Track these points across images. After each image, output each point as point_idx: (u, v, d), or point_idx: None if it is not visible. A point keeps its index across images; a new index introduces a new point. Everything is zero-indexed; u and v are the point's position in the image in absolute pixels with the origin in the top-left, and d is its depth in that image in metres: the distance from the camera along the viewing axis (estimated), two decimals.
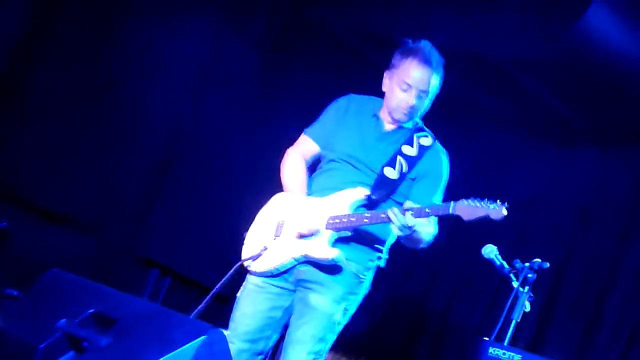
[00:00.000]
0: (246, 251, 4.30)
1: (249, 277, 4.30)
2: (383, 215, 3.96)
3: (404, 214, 3.88)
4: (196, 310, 3.89)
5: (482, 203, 3.78)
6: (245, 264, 4.23)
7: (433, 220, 4.11)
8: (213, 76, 6.63)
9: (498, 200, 3.76)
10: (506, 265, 4.07)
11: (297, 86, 6.85)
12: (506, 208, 3.72)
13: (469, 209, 3.78)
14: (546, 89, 6.63)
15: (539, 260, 3.97)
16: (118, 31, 6.14)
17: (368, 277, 4.23)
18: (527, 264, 3.98)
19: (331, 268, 4.10)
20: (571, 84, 6.32)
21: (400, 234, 3.94)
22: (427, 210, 3.90)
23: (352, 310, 4.21)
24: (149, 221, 6.52)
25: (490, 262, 4.12)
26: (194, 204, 6.59)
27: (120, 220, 6.40)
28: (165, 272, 6.66)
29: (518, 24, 5.88)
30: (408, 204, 4.00)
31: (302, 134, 4.43)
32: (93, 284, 3.38)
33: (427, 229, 4.09)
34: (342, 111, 4.34)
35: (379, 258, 4.26)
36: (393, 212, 3.90)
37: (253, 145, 6.57)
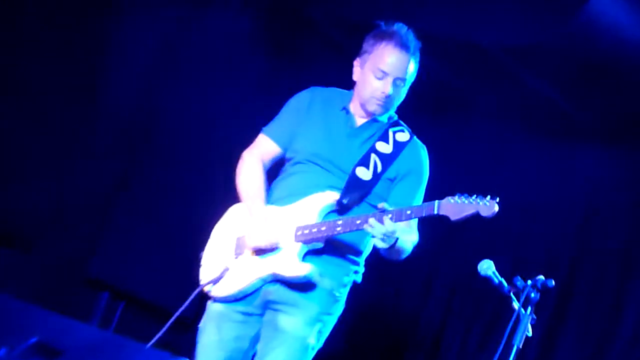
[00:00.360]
0: (205, 274, 4.28)
1: (209, 304, 4.29)
2: (358, 222, 3.95)
3: (381, 220, 3.84)
4: (154, 339, 3.95)
5: (470, 199, 3.79)
6: (206, 288, 4.22)
7: (414, 225, 4.13)
8: (168, 84, 6.63)
9: (488, 196, 3.77)
10: (505, 284, 4.04)
11: (267, 79, 6.90)
12: (497, 203, 3.73)
13: (456, 207, 3.79)
14: (546, 79, 6.69)
15: (542, 277, 3.92)
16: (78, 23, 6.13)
17: (343, 295, 4.22)
18: (529, 282, 3.92)
19: (303, 286, 4.09)
20: (573, 74, 6.36)
21: (383, 245, 3.90)
22: (408, 212, 3.89)
23: (327, 332, 4.20)
24: (100, 238, 6.49)
25: (487, 279, 4.07)
26: (151, 218, 6.58)
27: (67, 237, 6.35)
28: (118, 295, 6.60)
29: (516, 7, 5.92)
30: (384, 205, 3.95)
31: (260, 133, 4.41)
32: (36, 309, 3.36)
33: (409, 237, 4.09)
34: (305, 106, 4.33)
35: (356, 272, 4.25)
36: (369, 224, 3.87)
37: (216, 154, 6.49)
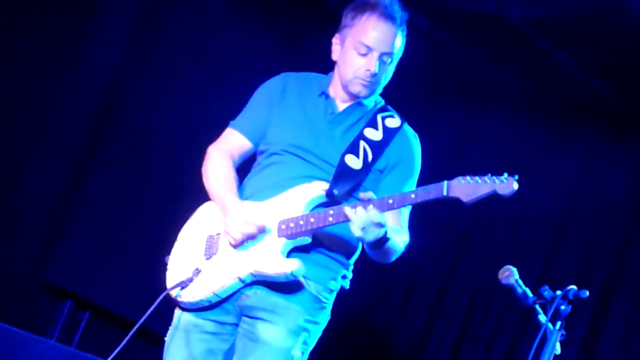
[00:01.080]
0: (172, 278, 4.17)
1: (178, 313, 4.17)
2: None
3: (365, 209, 3.76)
4: (113, 353, 3.99)
5: (485, 178, 3.70)
6: (173, 293, 4.10)
7: (405, 224, 4.07)
8: (131, 84, 6.66)
9: (505, 173, 3.69)
10: (530, 294, 3.90)
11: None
12: (516, 181, 3.66)
13: (468, 187, 3.70)
14: (580, 62, 6.70)
15: (574, 287, 3.76)
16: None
17: (330, 302, 4.12)
18: (559, 292, 3.77)
19: (287, 287, 3.97)
20: (613, 54, 6.35)
21: (362, 235, 3.78)
22: (412, 196, 3.81)
23: (312, 344, 4.09)
24: (59, 242, 6.43)
25: (510, 288, 3.96)
26: (119, 218, 6.53)
27: (22, 238, 6.29)
28: (82, 305, 6.53)
29: None
30: (368, 194, 3.84)
31: (227, 127, 4.33)
32: None
33: (399, 237, 3.99)
34: (277, 93, 4.26)
35: (344, 277, 4.14)
36: (352, 209, 3.78)
37: (182, 153, 6.44)
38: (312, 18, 7.10)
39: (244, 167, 4.32)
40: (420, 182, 4.08)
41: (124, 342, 3.98)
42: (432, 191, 3.76)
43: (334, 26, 4.19)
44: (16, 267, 6.27)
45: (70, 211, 6.45)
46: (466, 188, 3.70)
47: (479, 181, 3.69)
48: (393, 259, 4.04)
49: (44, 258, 6.36)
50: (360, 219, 3.76)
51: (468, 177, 3.70)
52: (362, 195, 3.84)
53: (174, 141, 6.68)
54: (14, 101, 6.08)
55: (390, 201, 3.79)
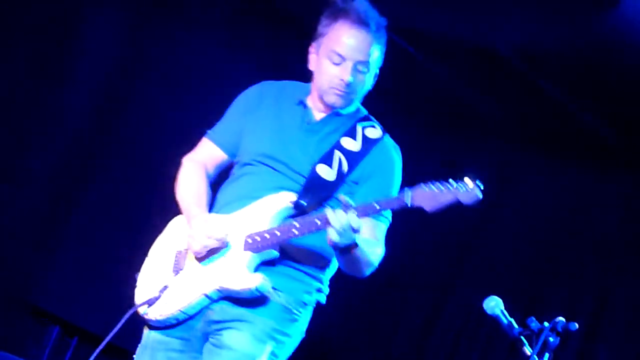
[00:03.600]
0: (140, 295, 4.09)
1: (145, 332, 4.09)
2: (319, 221, 3.76)
3: (346, 212, 3.68)
4: None
5: (448, 185, 3.63)
6: (141, 310, 4.02)
7: (381, 237, 3.96)
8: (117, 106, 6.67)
9: (466, 178, 3.63)
10: (515, 325, 3.90)
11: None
12: (479, 188, 3.60)
13: (431, 195, 3.63)
14: (570, 94, 6.65)
15: (562, 319, 3.78)
16: None
17: (303, 316, 4.01)
18: (546, 324, 3.80)
19: (253, 301, 3.89)
20: (601, 87, 6.31)
21: (339, 240, 3.69)
22: (375, 206, 3.72)
23: (283, 358, 4.00)
24: (49, 264, 6.38)
25: (495, 319, 3.95)
26: (108, 242, 6.46)
27: (11, 262, 6.27)
28: (70, 331, 6.49)
29: (535, 7, 5.84)
30: (346, 198, 3.74)
31: (203, 137, 4.23)
32: None
33: (373, 248, 3.90)
34: (253, 102, 4.15)
35: (319, 291, 4.04)
36: (332, 211, 3.69)
37: (171, 172, 6.49)
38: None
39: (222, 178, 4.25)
40: None
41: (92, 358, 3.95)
42: (396, 201, 3.70)
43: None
44: (3, 292, 6.24)
45: (58, 236, 6.41)
46: (429, 197, 3.62)
47: (442, 189, 3.63)
48: (367, 271, 3.94)
49: (32, 284, 6.33)
50: (339, 222, 3.68)
51: (431, 185, 3.64)
52: (341, 197, 3.75)
53: (164, 162, 6.57)
54: None
55: (354, 211, 3.70)
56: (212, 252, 3.93)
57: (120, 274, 6.29)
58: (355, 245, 3.73)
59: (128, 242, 6.24)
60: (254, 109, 4.12)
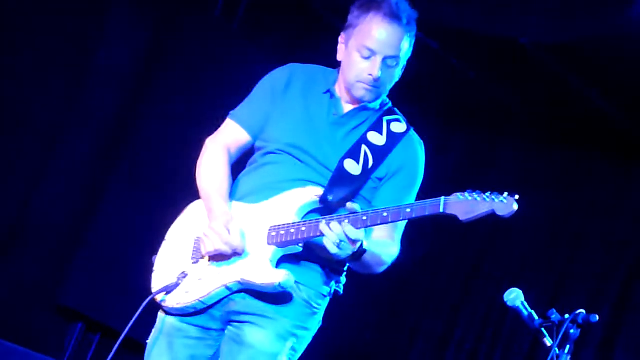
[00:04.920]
0: (157, 281, 4.02)
1: (161, 316, 4.02)
2: (347, 221, 3.66)
3: (340, 224, 3.63)
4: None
5: (484, 196, 3.53)
6: (158, 297, 3.96)
7: (397, 237, 3.91)
8: (146, 99, 6.68)
9: (505, 192, 3.53)
10: (536, 317, 3.89)
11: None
12: (516, 201, 3.52)
13: (466, 204, 3.55)
14: (595, 87, 6.59)
15: (583, 311, 3.79)
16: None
17: (322, 308, 3.97)
18: (567, 316, 3.80)
19: (276, 297, 3.82)
20: (627, 80, 6.26)
21: (338, 252, 3.65)
22: (407, 210, 3.64)
23: (301, 351, 3.96)
24: (71, 262, 6.37)
25: (515, 311, 3.96)
26: (131, 240, 6.39)
27: (35, 260, 6.25)
28: (93, 327, 6.50)
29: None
30: (353, 206, 3.69)
31: (227, 118, 4.11)
32: None
33: (386, 249, 3.87)
34: (281, 86, 4.03)
35: (337, 282, 3.99)
36: (326, 224, 3.66)
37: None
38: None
39: (241, 161, 4.17)
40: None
41: (113, 351, 3.97)
42: (428, 207, 3.61)
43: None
44: (28, 288, 6.25)
45: (82, 233, 6.41)
46: (464, 205, 3.55)
47: (478, 199, 3.55)
48: (379, 270, 3.91)
49: (56, 280, 6.32)
50: (334, 235, 3.64)
51: (467, 194, 3.56)
52: (348, 205, 3.70)
53: (184, 164, 6.59)
54: (25, 127, 6.13)
55: (385, 214, 3.64)
56: (220, 256, 3.87)
57: (143, 271, 6.48)
58: (362, 252, 3.70)
59: (151, 240, 6.43)
60: (281, 93, 4.02)
